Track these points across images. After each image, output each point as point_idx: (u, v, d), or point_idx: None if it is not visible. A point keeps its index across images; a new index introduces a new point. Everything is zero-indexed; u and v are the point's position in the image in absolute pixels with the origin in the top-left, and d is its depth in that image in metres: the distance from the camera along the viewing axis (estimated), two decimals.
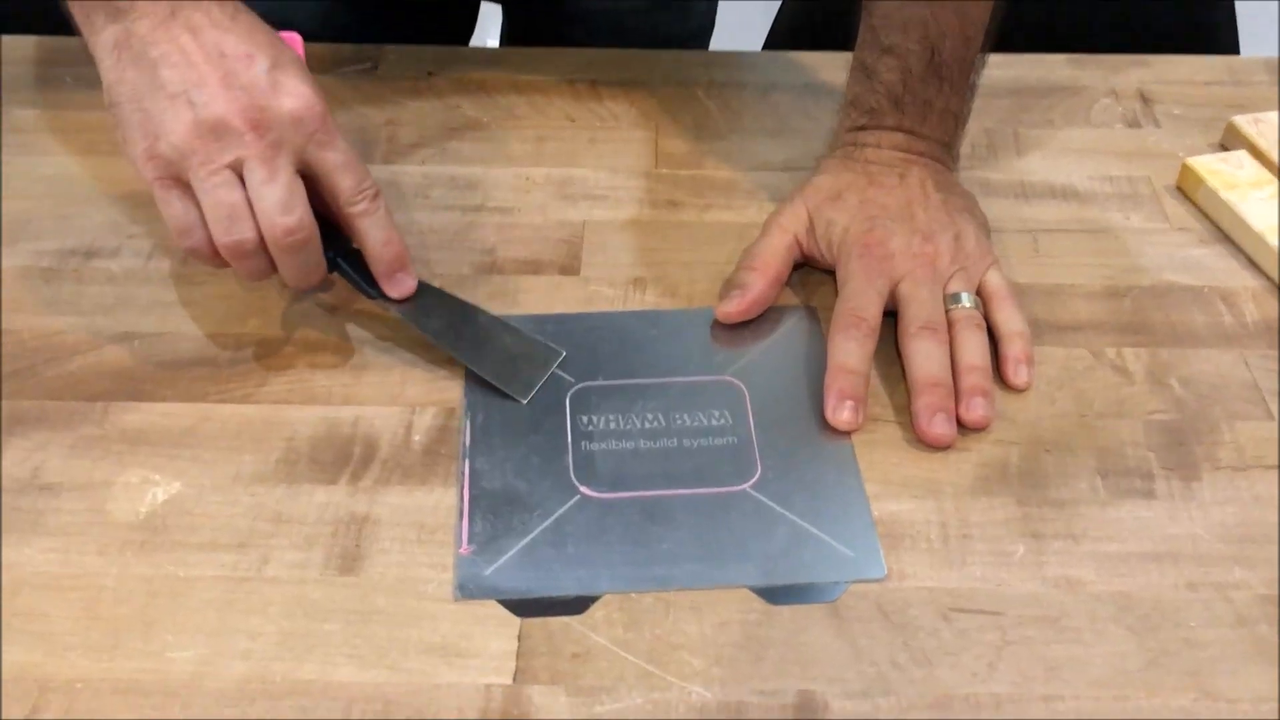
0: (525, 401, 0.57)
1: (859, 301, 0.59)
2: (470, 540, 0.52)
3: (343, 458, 0.55)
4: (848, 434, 0.56)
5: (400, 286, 0.58)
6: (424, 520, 0.53)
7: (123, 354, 0.59)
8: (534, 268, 0.65)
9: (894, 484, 0.55)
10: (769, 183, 0.70)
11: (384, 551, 0.51)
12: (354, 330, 0.61)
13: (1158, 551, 0.52)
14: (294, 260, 0.55)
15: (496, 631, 0.49)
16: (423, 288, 0.60)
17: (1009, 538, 0.52)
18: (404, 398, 0.58)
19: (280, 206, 0.53)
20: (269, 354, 0.60)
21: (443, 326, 0.59)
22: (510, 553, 0.52)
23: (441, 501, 0.53)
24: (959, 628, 0.49)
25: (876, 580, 0.51)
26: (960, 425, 0.56)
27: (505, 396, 0.57)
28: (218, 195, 0.53)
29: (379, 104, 0.75)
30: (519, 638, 0.48)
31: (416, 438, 0.56)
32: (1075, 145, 0.74)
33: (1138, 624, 0.49)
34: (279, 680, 0.47)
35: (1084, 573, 0.51)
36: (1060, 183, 0.71)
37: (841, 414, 0.56)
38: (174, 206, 0.54)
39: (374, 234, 0.57)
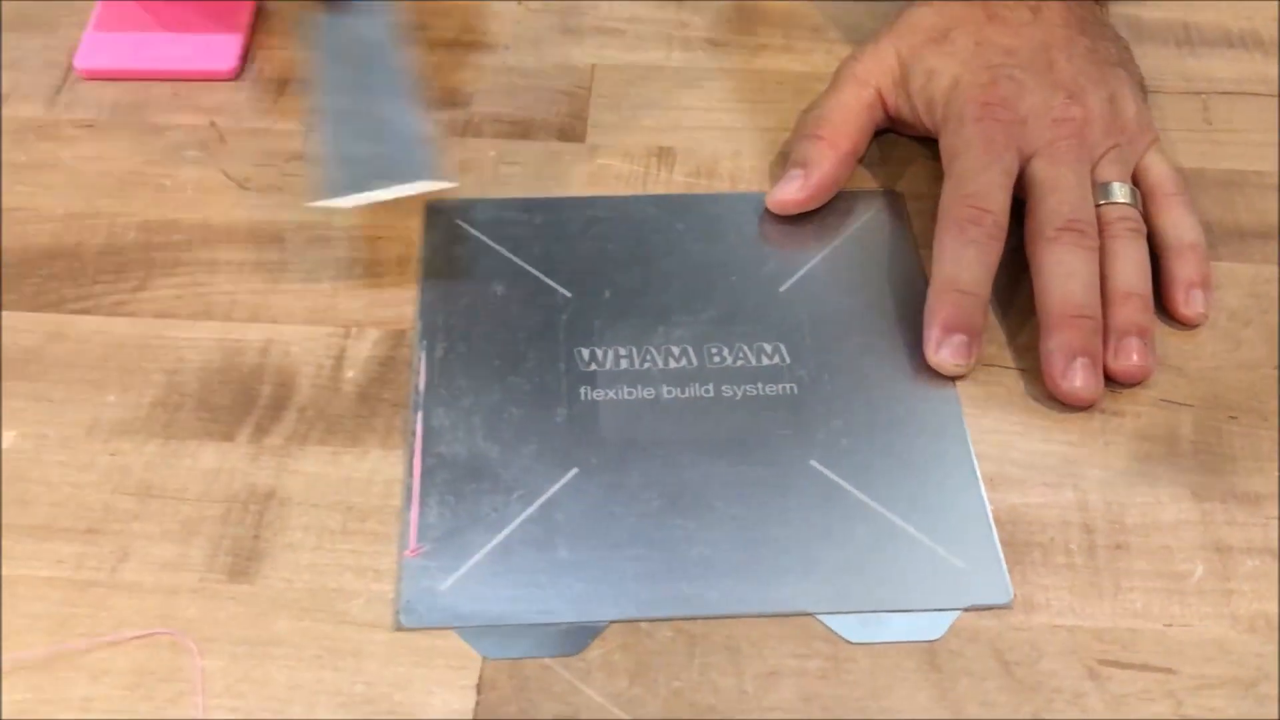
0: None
1: (978, 184, 0.42)
2: (422, 536, 0.36)
3: (245, 402, 0.39)
4: (953, 380, 0.40)
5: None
6: (352, 500, 0.37)
7: None
8: (522, 130, 0.48)
9: (1015, 463, 0.39)
10: (845, 16, 0.52)
11: (291, 547, 0.36)
12: (275, 209, 0.45)
13: None
14: None
15: (444, 679, 0.34)
16: None
17: (1182, 550, 0.37)
18: (335, 313, 0.42)
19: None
20: (153, 242, 0.44)
21: None
22: (477, 556, 0.36)
23: (379, 471, 0.38)
24: (1114, 692, 0.34)
25: (999, 608, 0.35)
26: (1109, 378, 0.40)
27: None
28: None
29: None
30: (478, 688, 0.34)
31: (349, 374, 0.40)
32: None
33: None
34: None
35: None
36: (1239, 27, 0.53)
37: (947, 352, 0.40)
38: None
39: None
